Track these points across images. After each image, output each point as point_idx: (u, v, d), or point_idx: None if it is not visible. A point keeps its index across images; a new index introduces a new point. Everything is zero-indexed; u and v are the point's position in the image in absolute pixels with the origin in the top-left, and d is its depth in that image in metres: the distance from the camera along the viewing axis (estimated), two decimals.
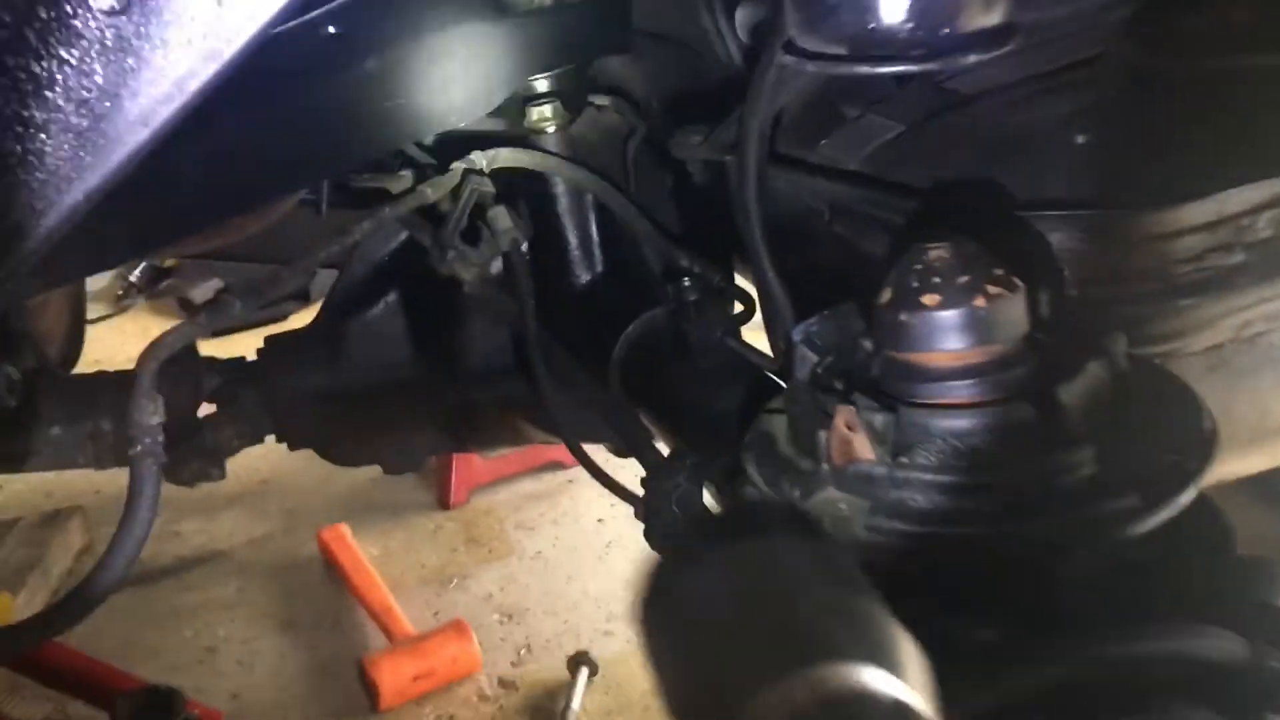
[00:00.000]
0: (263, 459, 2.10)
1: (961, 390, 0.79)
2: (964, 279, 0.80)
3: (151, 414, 0.97)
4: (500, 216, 1.35)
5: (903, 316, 0.81)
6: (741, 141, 1.22)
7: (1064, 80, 1.12)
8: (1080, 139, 1.01)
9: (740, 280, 1.50)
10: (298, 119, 1.08)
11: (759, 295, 1.35)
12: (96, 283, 3.94)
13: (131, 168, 0.63)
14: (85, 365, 1.87)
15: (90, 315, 2.12)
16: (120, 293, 4.10)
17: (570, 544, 2.66)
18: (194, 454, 1.62)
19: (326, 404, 1.65)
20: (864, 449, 0.78)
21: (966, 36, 0.67)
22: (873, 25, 0.66)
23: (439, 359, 1.65)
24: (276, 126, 1.06)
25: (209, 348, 1.64)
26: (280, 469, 2.90)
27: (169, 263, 4.12)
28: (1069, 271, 0.99)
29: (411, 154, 1.49)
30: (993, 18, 0.68)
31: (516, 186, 1.48)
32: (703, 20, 1.47)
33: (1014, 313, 0.80)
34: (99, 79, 0.56)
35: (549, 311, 1.53)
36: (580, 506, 2.77)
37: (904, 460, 0.77)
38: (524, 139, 1.56)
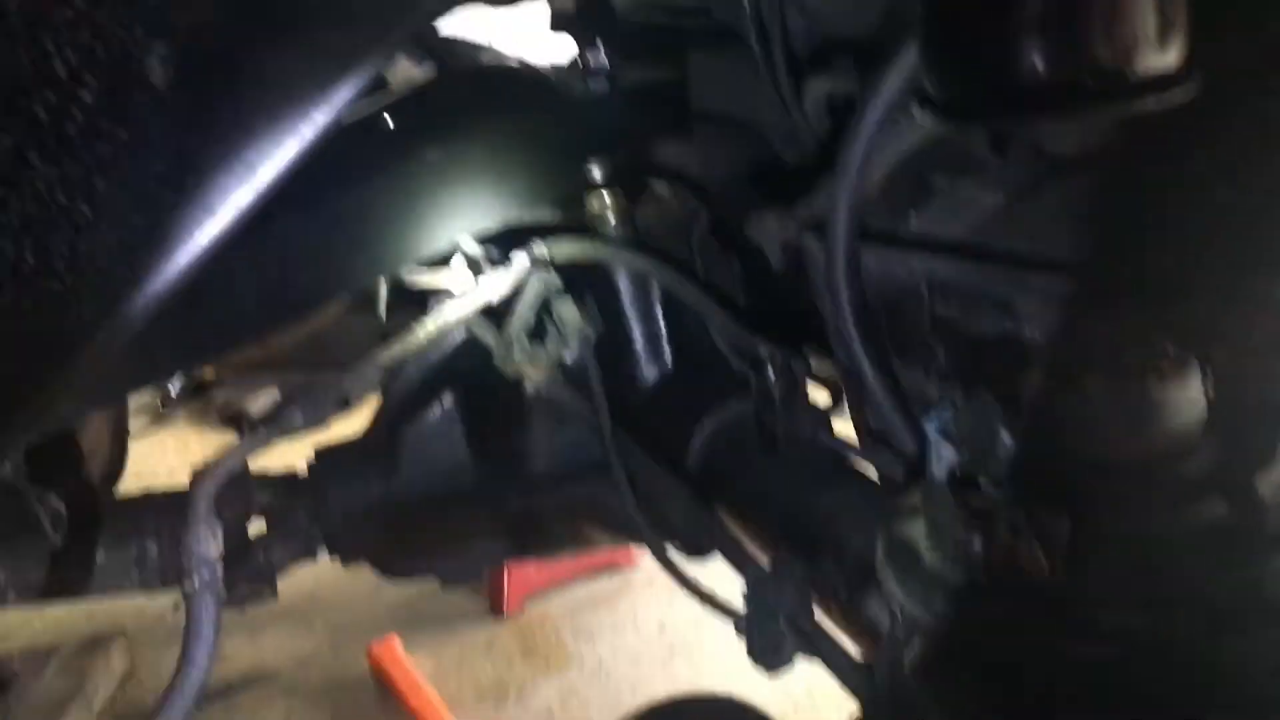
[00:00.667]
0: (308, 570, 2.01)
1: (1143, 487, 0.69)
2: (1134, 357, 0.70)
3: (209, 543, 0.87)
4: (568, 311, 1.27)
5: (1066, 402, 0.71)
6: (831, 217, 1.13)
7: (1179, 136, 1.03)
8: (1222, 196, 0.91)
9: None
10: (358, 216, 1.00)
11: (849, 385, 1.25)
12: (135, 396, 3.88)
13: (195, 270, 0.54)
14: (123, 482, 1.78)
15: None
16: (160, 406, 4.04)
17: (632, 652, 2.53)
18: (245, 575, 1.52)
19: (382, 516, 1.55)
20: (1036, 561, 0.67)
21: (1146, 80, 0.58)
22: (1034, 72, 0.58)
23: (500, 463, 1.55)
24: (335, 225, 0.99)
25: None
26: (326, 581, 2.79)
27: (209, 374, 4.07)
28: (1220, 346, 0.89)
29: (467, 248, 1.42)
30: (1171, 57, 0.59)
31: (579, 279, 1.40)
32: (768, 96, 1.39)
33: (1192, 393, 0.70)
34: (157, 164, 0.47)
35: (615, 409, 1.43)
36: (640, 611, 2.64)
37: (1084, 572, 0.66)
38: (583, 228, 1.49)
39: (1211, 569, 0.65)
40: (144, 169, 0.47)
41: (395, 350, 1.09)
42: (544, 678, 2.48)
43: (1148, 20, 0.59)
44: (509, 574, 2.65)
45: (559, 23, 1.99)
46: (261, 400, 3.77)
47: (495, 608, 2.69)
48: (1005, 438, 0.79)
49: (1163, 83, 0.59)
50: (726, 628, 1.12)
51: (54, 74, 0.44)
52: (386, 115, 1.07)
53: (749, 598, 1.00)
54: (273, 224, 0.93)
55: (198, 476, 0.91)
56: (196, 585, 0.87)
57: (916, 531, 0.78)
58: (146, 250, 0.50)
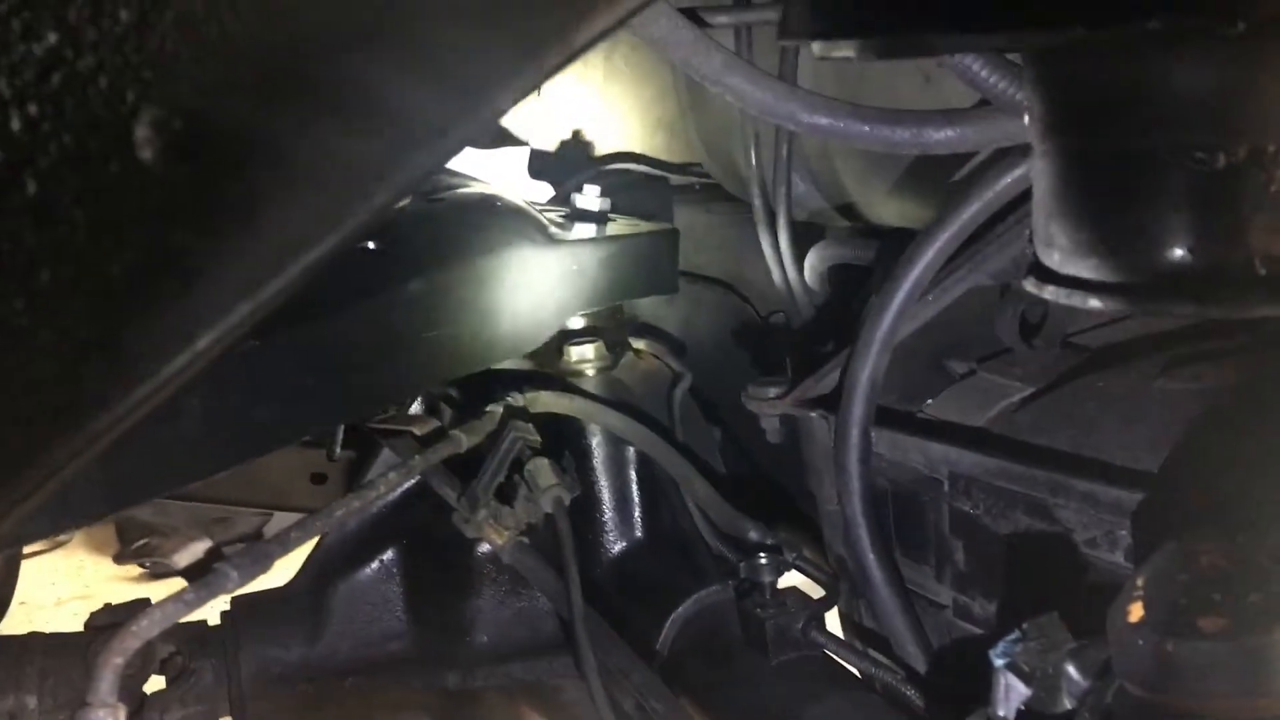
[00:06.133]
0: None
1: None
2: (1256, 596, 0.59)
3: None
4: (543, 470, 1.14)
5: (1172, 646, 0.59)
6: (846, 395, 1.04)
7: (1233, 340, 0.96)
8: None
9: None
10: (332, 348, 0.88)
11: (844, 578, 1.13)
12: None
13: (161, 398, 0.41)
14: None
15: None
16: None
17: None
18: None
19: (299, 683, 1.37)
20: None
21: None
22: (1195, 259, 0.49)
23: (440, 633, 1.39)
24: (301, 357, 0.86)
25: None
26: None
27: None
28: None
29: (433, 391, 1.29)
30: None
31: (553, 436, 1.28)
32: (755, 258, 1.31)
33: None
34: (129, 258, 0.35)
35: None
36: None
37: None
38: (556, 380, 1.37)
39: None
40: (108, 263, 0.35)
41: (357, 504, 0.95)
42: None
43: None
44: None
45: (538, 167, 1.92)
46: (190, 551, 3.45)
47: None
48: (1074, 674, 0.68)
49: None
50: None
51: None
52: (366, 239, 0.96)
53: None
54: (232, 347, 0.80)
55: (104, 645, 0.75)
56: None
57: None
58: (100, 373, 0.37)
